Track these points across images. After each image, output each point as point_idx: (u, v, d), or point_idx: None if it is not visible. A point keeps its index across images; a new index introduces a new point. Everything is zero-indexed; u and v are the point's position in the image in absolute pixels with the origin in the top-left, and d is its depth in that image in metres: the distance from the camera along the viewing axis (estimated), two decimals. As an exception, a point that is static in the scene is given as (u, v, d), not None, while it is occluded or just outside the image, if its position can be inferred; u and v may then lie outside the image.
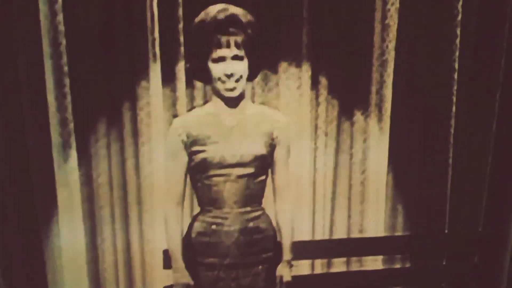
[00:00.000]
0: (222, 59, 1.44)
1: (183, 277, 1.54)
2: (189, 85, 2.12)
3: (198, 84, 2.13)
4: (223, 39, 1.42)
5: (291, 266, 1.61)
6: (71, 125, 1.99)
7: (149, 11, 1.99)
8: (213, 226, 1.53)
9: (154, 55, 2.02)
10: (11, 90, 1.92)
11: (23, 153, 1.97)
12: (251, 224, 1.54)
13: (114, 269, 2.21)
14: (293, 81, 2.20)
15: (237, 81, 1.46)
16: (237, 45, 1.43)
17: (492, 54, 2.34)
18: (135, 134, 2.09)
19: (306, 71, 2.20)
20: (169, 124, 2.07)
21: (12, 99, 1.93)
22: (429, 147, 2.37)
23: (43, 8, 1.89)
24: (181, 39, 2.02)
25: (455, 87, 2.30)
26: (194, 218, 1.60)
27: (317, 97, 2.26)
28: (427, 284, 2.46)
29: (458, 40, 2.26)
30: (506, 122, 2.40)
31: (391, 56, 2.24)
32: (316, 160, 2.30)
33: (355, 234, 2.39)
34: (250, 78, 1.55)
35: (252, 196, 1.54)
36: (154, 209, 2.15)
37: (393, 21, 2.22)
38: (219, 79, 1.46)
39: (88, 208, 2.13)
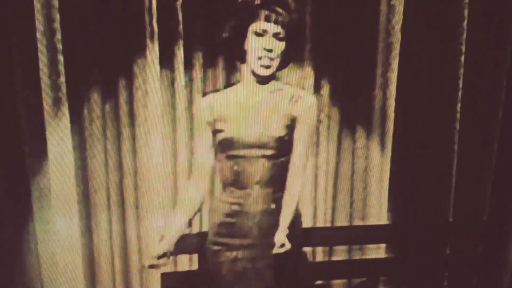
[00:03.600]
0: (264, 32, 1.47)
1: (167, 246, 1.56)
2: (188, 65, 2.06)
3: (197, 64, 2.07)
4: (270, 14, 1.46)
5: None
6: (65, 105, 1.93)
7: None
8: (234, 207, 1.54)
9: (151, 33, 1.95)
10: (3, 69, 1.86)
11: (15, 134, 1.91)
12: (272, 206, 1.53)
13: (110, 256, 2.15)
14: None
15: (273, 59, 1.48)
16: (282, 24, 1.47)
17: (500, 40, 2.28)
18: (131, 115, 2.03)
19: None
20: (168, 105, 2.07)
21: (3, 78, 1.87)
22: (434, 134, 2.32)
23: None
24: (180, 16, 1.96)
25: (461, 71, 2.24)
26: (217, 200, 1.62)
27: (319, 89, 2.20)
28: (430, 274, 2.42)
29: (465, 23, 2.20)
30: (512, 109, 2.35)
31: (396, 38, 2.18)
32: (319, 145, 2.25)
33: (357, 222, 2.33)
34: (281, 66, 1.56)
35: (273, 177, 1.53)
36: (150, 193, 2.09)
37: (399, 2, 2.15)
38: (257, 54, 1.48)
39: (82, 191, 2.07)
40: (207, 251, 1.61)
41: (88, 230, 2.11)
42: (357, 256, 2.37)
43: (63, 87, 1.91)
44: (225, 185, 1.57)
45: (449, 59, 2.24)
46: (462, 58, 2.24)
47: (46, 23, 1.85)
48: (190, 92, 2.10)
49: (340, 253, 2.36)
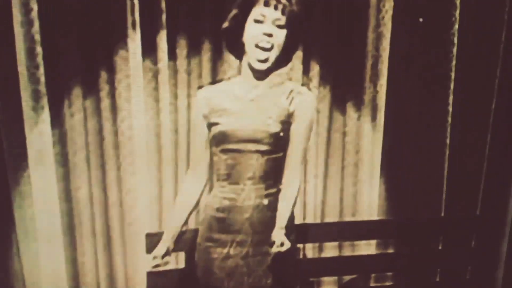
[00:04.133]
0: (264, 18, 1.45)
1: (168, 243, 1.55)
2: (172, 56, 2.00)
3: (181, 55, 2.01)
4: (270, 0, 1.44)
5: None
6: (45, 99, 1.87)
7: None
8: (226, 202, 1.51)
9: (133, 22, 1.88)
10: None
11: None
12: (265, 201, 1.51)
13: (93, 255, 2.09)
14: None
15: (271, 48, 1.45)
16: (282, 11, 1.45)
17: (492, 33, 2.25)
18: (114, 109, 1.97)
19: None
20: (152, 98, 2.01)
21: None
22: (426, 128, 2.29)
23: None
24: (163, 5, 1.89)
25: (454, 63, 2.21)
26: (209, 196, 1.59)
27: (308, 71, 2.15)
28: (422, 269, 2.38)
29: (457, 12, 2.16)
30: (506, 103, 2.33)
31: (387, 28, 2.13)
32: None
33: (348, 217, 2.30)
34: (282, 61, 1.54)
35: (267, 173, 1.50)
36: (135, 191, 2.04)
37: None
38: (255, 41, 1.45)
39: (64, 188, 2.01)
40: (198, 247, 1.58)
41: (71, 230, 2.05)
42: (347, 252, 2.34)
43: (42, 79, 1.85)
44: (218, 179, 1.55)
45: (441, 52, 2.21)
46: (454, 50, 2.20)
47: (24, 14, 1.78)
48: (175, 85, 2.04)
49: (330, 250, 2.31)
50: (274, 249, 1.35)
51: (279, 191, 1.53)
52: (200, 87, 1.62)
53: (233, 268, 1.49)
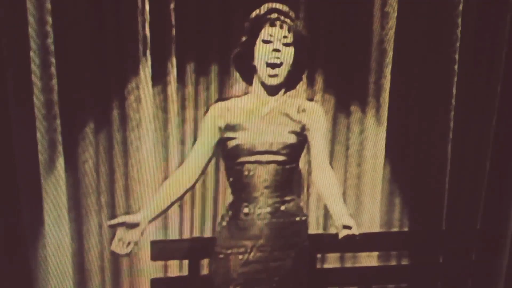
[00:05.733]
0: (271, 37, 1.53)
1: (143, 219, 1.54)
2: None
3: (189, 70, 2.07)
4: (275, 20, 1.54)
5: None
6: (56, 108, 1.93)
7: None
8: (245, 209, 1.56)
9: (144, 38, 1.96)
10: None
11: (6, 137, 1.90)
12: (282, 208, 1.58)
13: (99, 260, 2.13)
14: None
15: (280, 64, 1.53)
16: (288, 28, 1.54)
17: (493, 46, 2.29)
18: (124, 119, 2.02)
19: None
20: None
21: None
22: (427, 142, 2.32)
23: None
24: (173, 20, 1.97)
25: (455, 79, 2.25)
26: (228, 206, 1.64)
27: (312, 86, 2.20)
28: (423, 282, 2.40)
29: (459, 30, 2.20)
30: (507, 116, 2.35)
31: (390, 46, 2.18)
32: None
33: (350, 229, 2.31)
34: (293, 81, 1.63)
35: (282, 182, 1.57)
36: (142, 198, 2.08)
37: (392, 9, 2.15)
38: (265, 59, 1.53)
39: (73, 195, 2.06)
40: (216, 256, 1.60)
41: (79, 237, 2.09)
42: (349, 264, 2.35)
43: (55, 89, 1.92)
44: (235, 190, 1.61)
45: (443, 69, 2.24)
46: (456, 66, 2.24)
47: (39, 26, 1.86)
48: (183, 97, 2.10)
49: (332, 261, 2.33)
50: (345, 233, 1.37)
51: (294, 199, 1.62)
52: (216, 101, 1.69)
53: (252, 274, 1.54)
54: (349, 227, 1.37)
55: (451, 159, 2.33)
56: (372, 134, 2.26)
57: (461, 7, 2.20)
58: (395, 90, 2.24)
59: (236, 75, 2.03)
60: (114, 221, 1.52)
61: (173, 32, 1.99)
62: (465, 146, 2.36)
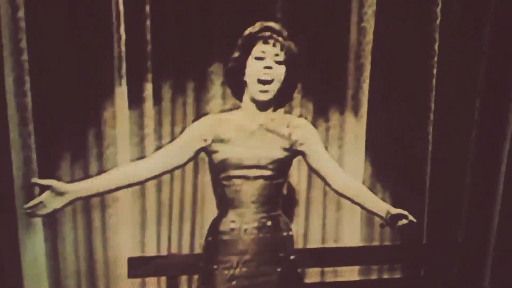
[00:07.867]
0: (264, 54, 1.54)
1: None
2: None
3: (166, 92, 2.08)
4: (268, 37, 1.55)
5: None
6: (31, 126, 1.92)
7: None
8: (232, 224, 1.56)
9: (120, 52, 1.96)
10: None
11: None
12: (269, 223, 1.57)
13: (76, 279, 2.10)
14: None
15: (272, 81, 1.53)
16: (281, 46, 1.55)
17: (471, 58, 2.32)
18: (99, 136, 2.01)
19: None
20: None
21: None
22: (407, 155, 2.33)
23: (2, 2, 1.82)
24: (148, 37, 1.97)
25: (433, 94, 2.27)
26: (214, 220, 1.63)
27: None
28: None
29: (436, 45, 2.22)
30: (486, 129, 2.38)
31: (367, 59, 2.20)
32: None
33: (330, 243, 2.32)
34: (284, 98, 1.64)
35: (269, 197, 1.58)
36: (119, 214, 2.07)
37: (369, 24, 2.17)
38: (257, 75, 1.53)
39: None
40: (203, 270, 1.60)
41: (55, 254, 2.07)
42: (330, 278, 2.34)
43: (29, 107, 1.91)
44: (223, 205, 1.60)
45: (421, 83, 2.26)
46: (434, 81, 2.26)
47: (13, 43, 1.85)
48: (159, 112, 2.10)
49: (312, 276, 2.32)
50: (401, 223, 1.41)
51: (281, 214, 1.62)
52: (204, 114, 1.70)
53: None
54: (405, 216, 1.41)
55: (431, 173, 2.34)
56: (351, 148, 2.27)
57: (438, 21, 2.23)
58: (374, 101, 2.25)
59: (213, 91, 2.08)
60: (42, 181, 1.44)
61: (149, 48, 1.99)
62: (445, 160, 2.37)
